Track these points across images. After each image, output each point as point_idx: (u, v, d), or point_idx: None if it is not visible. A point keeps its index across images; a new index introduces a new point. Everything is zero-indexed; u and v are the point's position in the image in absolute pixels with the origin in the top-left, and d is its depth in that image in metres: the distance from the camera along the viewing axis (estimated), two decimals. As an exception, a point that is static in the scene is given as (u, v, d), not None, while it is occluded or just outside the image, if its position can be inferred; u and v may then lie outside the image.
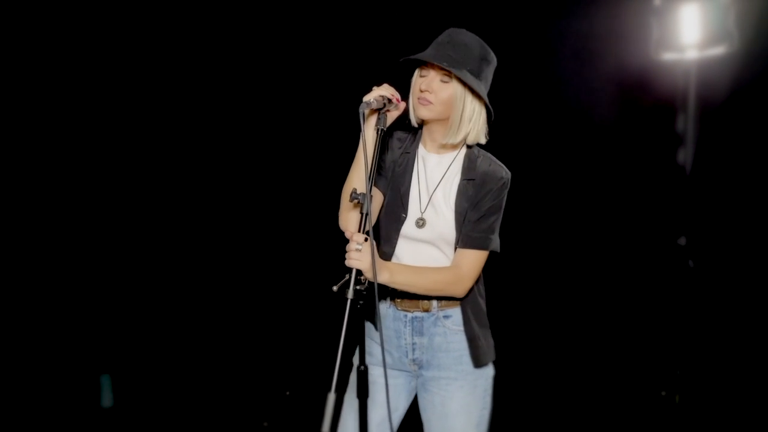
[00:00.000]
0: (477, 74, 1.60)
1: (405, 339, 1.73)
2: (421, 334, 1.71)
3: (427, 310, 1.70)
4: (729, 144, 2.97)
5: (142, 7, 3.35)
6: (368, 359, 1.75)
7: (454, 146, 1.71)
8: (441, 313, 1.71)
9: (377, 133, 1.55)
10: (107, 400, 3.37)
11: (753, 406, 2.95)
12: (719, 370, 3.04)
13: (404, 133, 1.77)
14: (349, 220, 1.64)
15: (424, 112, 1.63)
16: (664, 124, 3.05)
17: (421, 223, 1.68)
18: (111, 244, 3.52)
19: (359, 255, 1.45)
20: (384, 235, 1.73)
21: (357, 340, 1.51)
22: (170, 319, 3.57)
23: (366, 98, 1.52)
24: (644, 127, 3.07)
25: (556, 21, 3.06)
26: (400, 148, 1.75)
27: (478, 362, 1.70)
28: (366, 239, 1.46)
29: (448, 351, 1.71)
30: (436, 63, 1.58)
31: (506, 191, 1.67)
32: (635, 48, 3.01)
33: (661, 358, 3.14)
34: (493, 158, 1.71)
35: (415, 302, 1.71)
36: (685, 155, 3.05)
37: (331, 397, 1.34)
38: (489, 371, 1.75)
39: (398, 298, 1.72)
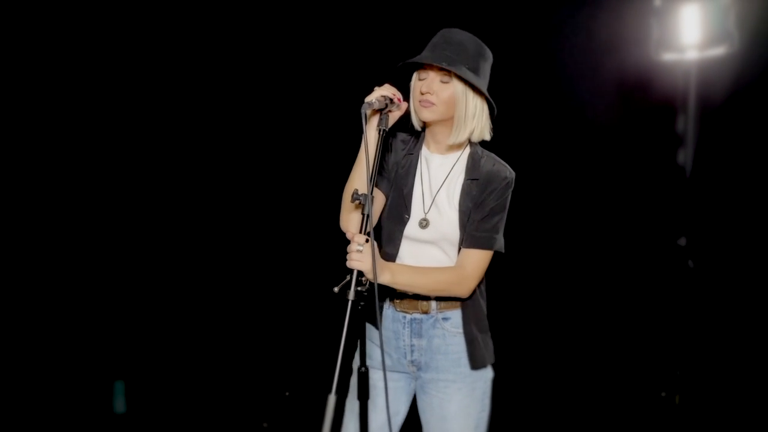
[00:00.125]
0: (475, 71, 1.61)
1: (403, 340, 1.72)
2: (419, 335, 1.71)
3: (426, 312, 1.70)
4: (729, 144, 2.97)
5: (142, 7, 3.34)
6: (368, 362, 1.75)
7: (458, 146, 1.71)
8: (440, 315, 1.70)
9: (379, 133, 1.54)
10: (120, 405, 3.37)
11: (753, 406, 2.95)
12: (719, 371, 3.04)
13: (407, 134, 1.77)
14: (350, 221, 1.64)
15: (427, 114, 1.63)
16: (665, 124, 3.05)
17: (424, 223, 1.68)
18: (117, 251, 3.52)
19: (360, 256, 1.44)
20: (387, 236, 1.72)
21: (358, 341, 1.50)
22: (170, 319, 3.56)
23: (368, 99, 1.51)
24: (644, 127, 3.07)
25: (556, 22, 3.06)
26: (403, 149, 1.75)
27: (475, 364, 1.70)
28: (367, 240, 1.46)
29: (446, 353, 1.70)
30: (434, 64, 1.58)
31: (510, 191, 1.67)
32: (635, 48, 3.01)
33: (661, 359, 3.14)
34: (497, 158, 1.71)
35: (414, 303, 1.70)
36: (685, 156, 3.05)
37: (332, 399, 1.34)
38: (488, 374, 1.75)
39: (397, 299, 1.72)
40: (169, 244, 3.54)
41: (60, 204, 3.41)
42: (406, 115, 1.67)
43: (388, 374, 1.73)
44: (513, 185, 1.68)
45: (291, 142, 3.40)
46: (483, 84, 1.63)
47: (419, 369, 1.74)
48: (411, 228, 1.69)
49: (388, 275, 1.55)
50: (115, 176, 3.47)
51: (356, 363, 1.58)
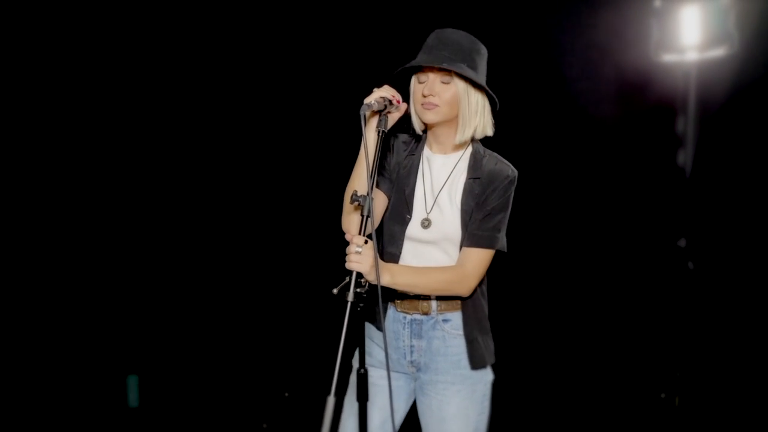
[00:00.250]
0: (474, 68, 1.62)
1: (403, 341, 1.72)
2: (419, 336, 1.71)
3: (426, 313, 1.70)
4: (729, 145, 2.97)
5: (143, 7, 3.34)
6: (367, 359, 1.74)
7: (461, 145, 1.71)
8: (440, 317, 1.70)
9: (378, 134, 1.54)
10: (134, 400, 3.39)
11: (753, 407, 2.95)
12: (719, 372, 3.04)
13: (409, 136, 1.77)
14: (350, 222, 1.64)
15: (431, 116, 1.63)
16: (664, 125, 3.05)
17: (426, 224, 1.68)
18: (128, 253, 3.55)
19: (359, 257, 1.44)
20: (389, 236, 1.72)
21: (357, 343, 1.50)
22: (174, 319, 3.56)
23: (366, 100, 1.51)
24: (644, 128, 3.07)
25: (556, 23, 3.06)
26: (405, 150, 1.75)
27: (475, 364, 1.69)
28: (366, 241, 1.46)
29: (446, 355, 1.70)
30: (435, 66, 1.58)
31: (513, 189, 1.67)
32: (635, 49, 3.01)
33: (660, 360, 3.13)
34: (500, 157, 1.71)
35: (414, 304, 1.70)
36: (685, 157, 3.05)
37: (331, 401, 1.34)
38: (488, 376, 1.74)
39: (398, 299, 1.72)
40: (175, 246, 3.55)
41: (75, 204, 3.44)
42: (406, 117, 1.67)
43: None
44: (515, 183, 1.68)
45: (291, 144, 3.40)
46: (483, 79, 1.64)
47: (418, 370, 1.74)
48: (413, 228, 1.69)
49: (388, 276, 1.54)
50: (128, 180, 3.50)
51: (356, 363, 1.58)
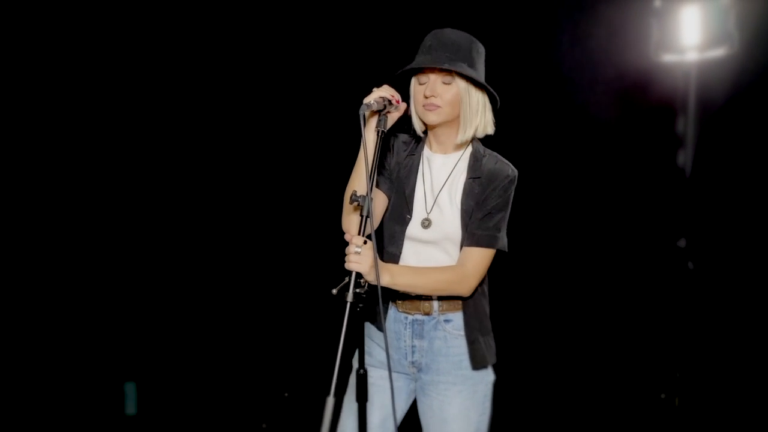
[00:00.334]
0: (473, 66, 1.62)
1: (405, 341, 1.72)
2: (421, 337, 1.71)
3: (427, 313, 1.69)
4: (729, 146, 2.96)
5: (142, 7, 3.33)
6: (367, 359, 1.74)
7: (461, 145, 1.71)
8: (442, 317, 1.70)
9: (378, 134, 1.54)
10: (131, 407, 3.37)
11: (753, 408, 2.95)
12: (719, 373, 3.03)
13: (409, 136, 1.77)
14: (350, 222, 1.63)
15: (434, 118, 1.63)
16: (664, 125, 3.04)
17: (426, 223, 1.67)
18: (125, 258, 3.53)
19: (359, 258, 1.44)
20: (390, 237, 1.72)
21: (357, 343, 1.50)
22: (173, 321, 3.55)
23: (366, 100, 1.51)
24: (644, 128, 3.06)
25: (556, 23, 3.06)
26: (405, 150, 1.75)
27: (476, 364, 1.69)
28: (366, 242, 1.45)
29: (447, 355, 1.70)
30: (437, 67, 1.58)
31: (513, 188, 1.67)
32: (635, 49, 3.01)
33: (660, 361, 3.13)
34: (500, 156, 1.71)
35: (415, 304, 1.70)
36: (684, 157, 3.05)
37: (330, 402, 1.34)
38: (489, 376, 1.74)
39: (399, 300, 1.71)
40: (174, 249, 3.54)
41: (70, 207, 3.41)
42: (405, 117, 1.67)
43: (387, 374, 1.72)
44: (515, 183, 1.68)
45: (291, 145, 3.40)
46: (482, 78, 1.64)
47: (419, 370, 1.73)
48: (413, 228, 1.68)
49: (387, 277, 1.54)
50: (124, 181, 3.48)
51: (356, 364, 1.58)
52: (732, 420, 2.96)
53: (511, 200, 1.68)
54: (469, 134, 1.66)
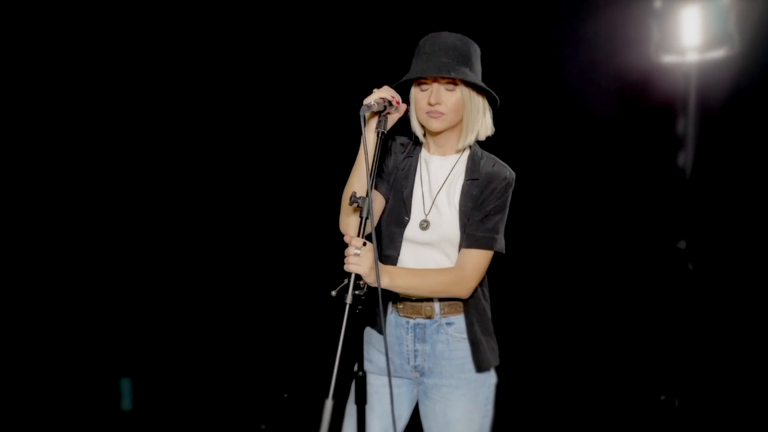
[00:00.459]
0: (473, 69, 1.62)
1: (407, 346, 1.71)
2: (423, 341, 1.70)
3: (429, 317, 1.69)
4: (729, 147, 2.96)
5: (142, 7, 3.33)
6: (369, 367, 1.74)
7: (460, 148, 1.70)
8: (444, 320, 1.69)
9: (378, 136, 1.53)
10: (127, 403, 3.37)
11: (753, 409, 2.95)
12: (719, 374, 3.03)
13: (407, 138, 1.77)
14: (349, 224, 1.63)
15: (438, 125, 1.63)
16: (665, 126, 3.04)
17: (424, 225, 1.67)
18: (123, 253, 3.53)
19: (358, 259, 1.43)
20: (388, 239, 1.72)
21: (356, 345, 1.49)
22: (173, 320, 3.55)
23: (366, 101, 1.50)
24: (644, 129, 3.06)
25: (556, 24, 3.05)
26: (402, 152, 1.74)
27: (480, 367, 1.69)
28: (365, 243, 1.45)
29: (450, 359, 1.69)
30: (441, 75, 1.57)
31: (510, 191, 1.67)
32: (635, 51, 3.00)
33: (660, 362, 3.13)
34: (497, 159, 1.71)
35: (417, 308, 1.69)
36: (685, 158, 3.04)
37: (329, 404, 1.33)
38: (491, 379, 1.74)
39: (400, 304, 1.71)
40: (172, 247, 3.54)
41: (66, 204, 3.41)
42: (404, 118, 1.66)
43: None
44: (513, 186, 1.67)
45: (290, 145, 3.39)
46: (481, 80, 1.64)
47: (422, 374, 1.73)
48: (411, 230, 1.68)
49: (386, 279, 1.54)
50: (120, 179, 3.47)
51: (355, 367, 1.57)
52: (732, 421, 2.96)
53: (508, 203, 1.67)
54: (471, 139, 1.66)
